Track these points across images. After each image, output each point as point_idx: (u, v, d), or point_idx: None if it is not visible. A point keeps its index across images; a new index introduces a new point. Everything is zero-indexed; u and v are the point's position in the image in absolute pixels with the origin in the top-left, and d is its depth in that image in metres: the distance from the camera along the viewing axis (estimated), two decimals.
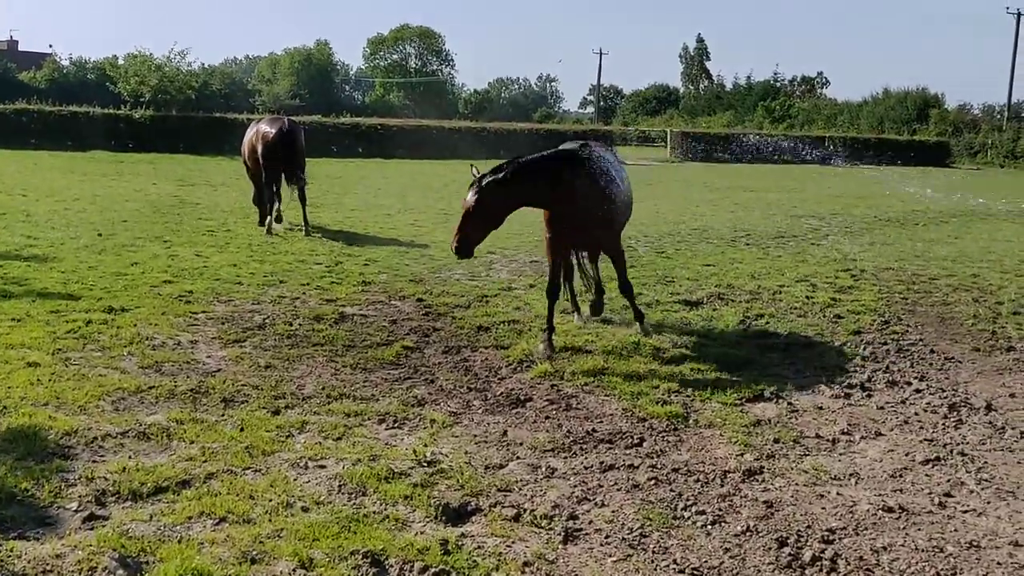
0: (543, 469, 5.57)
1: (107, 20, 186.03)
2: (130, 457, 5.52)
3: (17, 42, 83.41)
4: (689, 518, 4.91)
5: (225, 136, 39.11)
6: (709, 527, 4.82)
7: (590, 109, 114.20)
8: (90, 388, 6.73)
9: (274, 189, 15.60)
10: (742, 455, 5.87)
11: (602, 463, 5.67)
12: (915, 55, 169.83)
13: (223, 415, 6.36)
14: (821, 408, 6.95)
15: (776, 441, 6.15)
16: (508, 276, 12.31)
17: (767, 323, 9.72)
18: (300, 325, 9.08)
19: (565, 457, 5.80)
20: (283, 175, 15.74)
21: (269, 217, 15.58)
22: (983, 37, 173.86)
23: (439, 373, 7.64)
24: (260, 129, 15.78)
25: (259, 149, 15.53)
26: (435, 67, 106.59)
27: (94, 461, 5.45)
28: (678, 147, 52.49)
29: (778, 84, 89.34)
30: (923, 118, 66.36)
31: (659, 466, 5.64)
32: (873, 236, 18.23)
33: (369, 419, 6.40)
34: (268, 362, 7.72)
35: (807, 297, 11.25)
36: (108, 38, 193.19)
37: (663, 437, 6.20)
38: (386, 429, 6.25)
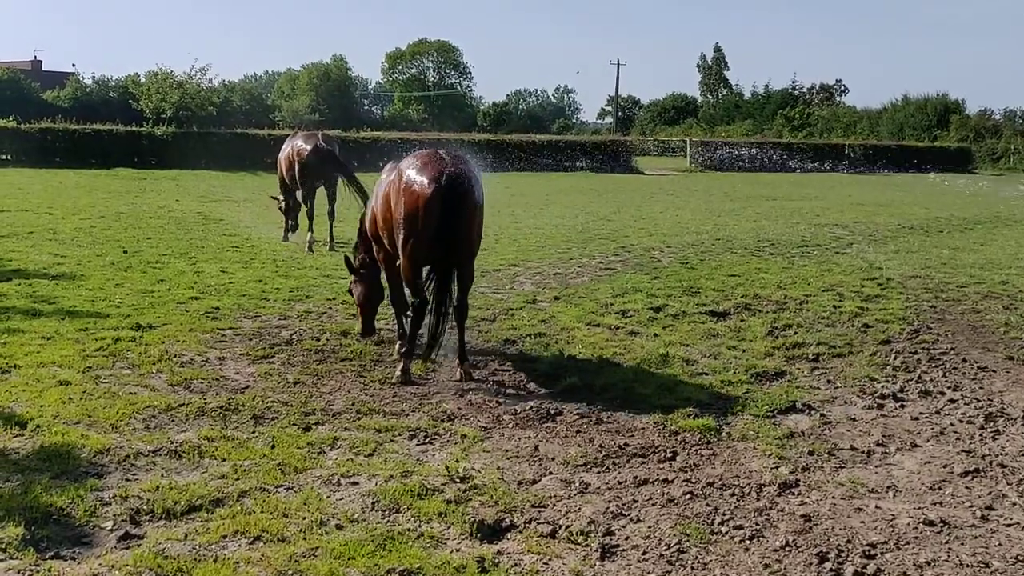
0: (576, 484, 5.53)
1: (129, 39, 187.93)
2: (163, 475, 5.52)
3: (41, 62, 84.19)
4: (727, 533, 4.86)
5: (247, 152, 39.45)
6: (748, 542, 4.76)
7: (608, 120, 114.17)
8: (121, 406, 6.75)
9: (311, 206, 15.75)
10: (777, 468, 5.80)
11: (636, 478, 5.62)
12: (934, 61, 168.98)
13: (254, 432, 6.35)
14: (854, 419, 6.87)
15: (811, 453, 6.08)
16: (532, 289, 12.28)
17: (795, 333, 9.64)
18: (327, 340, 9.09)
19: (598, 472, 5.76)
20: (325, 191, 15.93)
21: (310, 233, 15.66)
22: (1004, 41, 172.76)
23: (467, 387, 7.61)
24: (296, 145, 15.94)
25: (296, 166, 15.70)
26: (453, 80, 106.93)
27: (127, 479, 5.46)
28: (698, 156, 52.41)
29: (796, 92, 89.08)
30: (944, 124, 65.98)
31: (694, 480, 5.59)
32: (898, 244, 18.10)
33: (400, 434, 6.38)
34: (297, 378, 7.72)
35: (834, 307, 11.15)
36: (130, 56, 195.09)
37: (696, 451, 6.14)
38: (417, 445, 6.23)
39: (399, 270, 8.19)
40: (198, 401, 6.95)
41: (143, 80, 47.43)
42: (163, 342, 8.74)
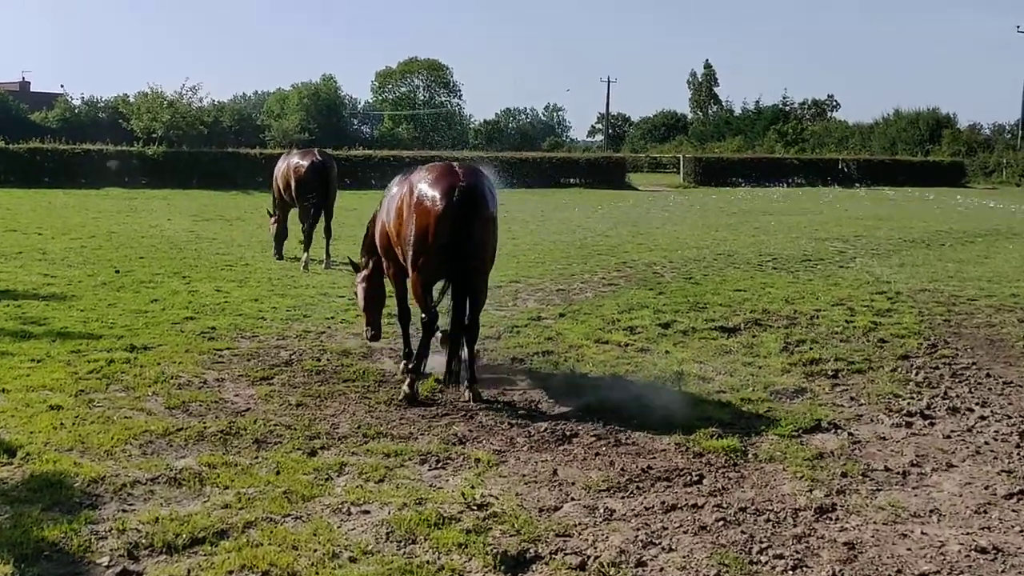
0: (601, 511, 5.22)
1: (116, 60, 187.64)
2: (162, 505, 5.20)
3: (29, 83, 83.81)
4: (767, 563, 4.55)
5: (238, 171, 39.20)
6: (790, 572, 4.46)
7: (598, 137, 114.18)
8: (116, 431, 6.42)
9: (309, 224, 15.41)
10: (811, 491, 5.50)
11: (663, 503, 5.31)
12: (924, 76, 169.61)
13: (257, 457, 6.04)
14: (884, 438, 6.58)
15: (844, 475, 5.79)
16: (536, 305, 11.99)
17: (810, 349, 9.37)
18: (328, 360, 8.78)
19: (622, 497, 5.45)
20: (320, 209, 15.55)
21: (305, 253, 15.28)
22: (993, 55, 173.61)
23: (477, 408, 7.30)
24: (292, 162, 15.66)
25: (292, 183, 15.40)
26: (443, 99, 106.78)
27: (124, 510, 5.13)
28: (691, 172, 52.31)
29: (787, 108, 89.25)
30: (936, 139, 66.13)
31: (724, 505, 5.28)
32: (901, 257, 17.88)
33: (410, 459, 6.07)
34: (299, 400, 7.41)
35: (847, 321, 10.90)
36: (118, 77, 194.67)
37: (723, 473, 5.84)
38: (429, 470, 5.91)
39: (408, 285, 7.94)
40: (197, 425, 6.63)
41: (132, 100, 47.10)
42: (159, 364, 8.42)
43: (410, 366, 7.79)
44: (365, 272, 8.74)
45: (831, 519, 5.11)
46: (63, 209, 26.49)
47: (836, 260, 17.30)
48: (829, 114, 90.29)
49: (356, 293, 9.01)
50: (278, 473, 5.72)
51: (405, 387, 7.53)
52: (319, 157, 15.55)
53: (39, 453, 5.92)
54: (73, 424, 6.56)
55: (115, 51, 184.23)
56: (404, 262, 7.80)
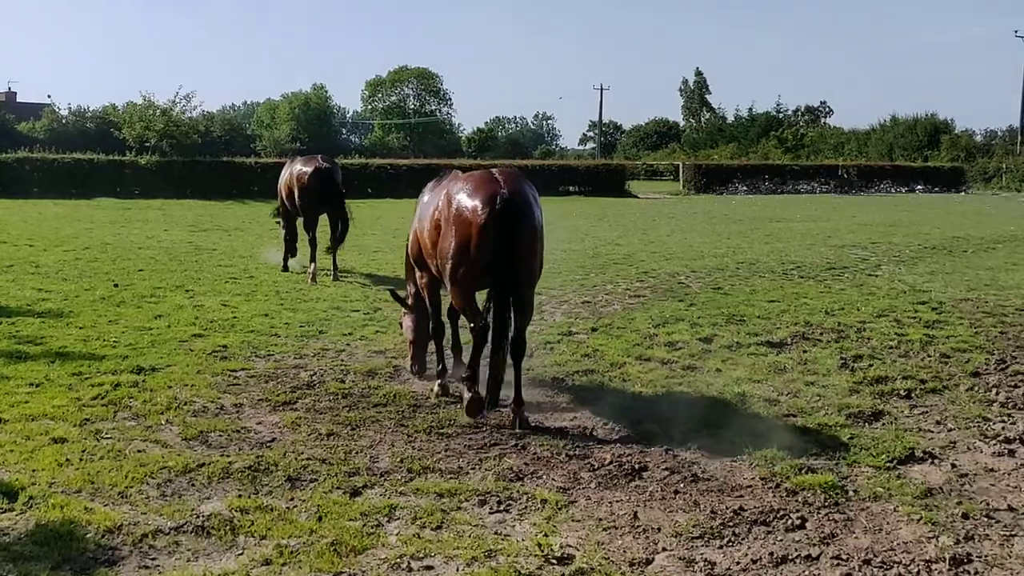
0: (700, 564, 4.51)
1: (104, 70, 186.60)
2: (190, 560, 4.48)
3: (15, 93, 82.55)
4: None
5: (234, 180, 38.49)
6: None
7: (590, 145, 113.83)
8: (130, 468, 5.69)
9: (313, 235, 14.61)
10: (936, 537, 4.80)
11: (771, 554, 4.60)
12: (918, 82, 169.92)
13: (292, 499, 5.31)
14: (992, 470, 5.88)
15: (965, 516, 5.08)
16: (564, 319, 11.28)
17: (871, 366, 8.69)
18: (353, 382, 8.06)
19: (720, 546, 4.74)
20: (328, 217, 14.77)
21: (313, 264, 14.46)
22: (988, 61, 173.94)
23: (529, 437, 6.57)
24: (295, 170, 14.89)
25: (296, 192, 14.62)
26: (433, 107, 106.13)
27: (146, 567, 4.42)
28: (690, 180, 51.78)
29: (781, 115, 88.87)
30: (934, 144, 65.75)
31: (843, 557, 4.57)
32: (928, 265, 17.24)
33: (466, 500, 5.34)
34: (329, 429, 6.67)
35: (897, 334, 10.23)
36: (106, 87, 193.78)
37: (827, 515, 5.13)
38: (490, 513, 5.19)
39: (440, 295, 7.34)
40: (220, 460, 5.90)
41: (121, 111, 46.27)
42: (170, 387, 7.68)
43: (464, 375, 7.16)
44: (410, 303, 8.19)
45: (969, 573, 4.41)
46: (54, 220, 25.67)
47: (862, 268, 16.66)
48: (823, 120, 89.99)
49: (402, 324, 8.46)
50: (320, 519, 4.99)
51: (466, 394, 6.98)
52: (323, 163, 14.79)
53: (44, 496, 5.20)
54: (80, 460, 5.83)
55: (102, 62, 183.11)
56: (440, 275, 7.19)
